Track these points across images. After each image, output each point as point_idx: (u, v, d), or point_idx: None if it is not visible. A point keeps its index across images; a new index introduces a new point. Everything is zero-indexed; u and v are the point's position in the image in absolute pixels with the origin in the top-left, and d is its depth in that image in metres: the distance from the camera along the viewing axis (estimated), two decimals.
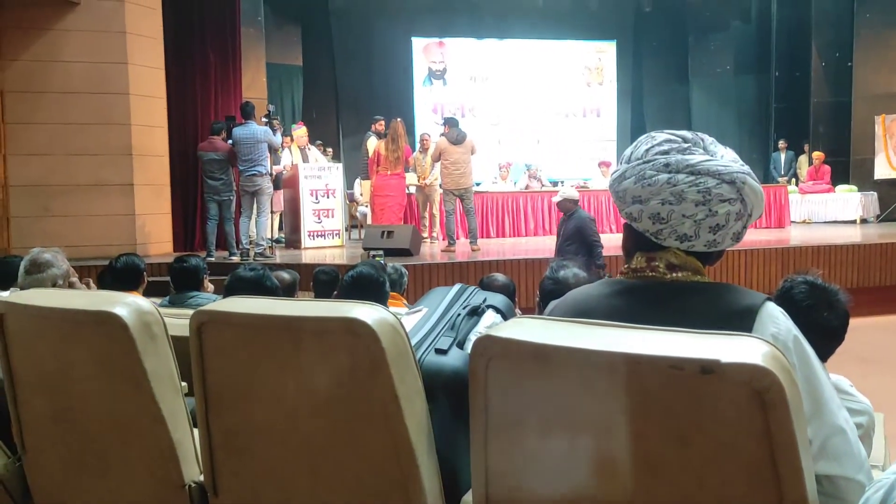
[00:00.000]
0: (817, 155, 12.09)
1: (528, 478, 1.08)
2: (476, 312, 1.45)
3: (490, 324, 1.41)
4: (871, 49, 12.12)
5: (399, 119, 8.67)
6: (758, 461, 0.90)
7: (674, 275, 1.23)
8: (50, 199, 7.57)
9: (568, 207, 6.52)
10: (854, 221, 11.42)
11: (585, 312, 1.24)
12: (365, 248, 7.72)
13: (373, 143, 9.02)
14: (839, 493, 1.12)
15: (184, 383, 1.52)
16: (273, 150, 8.01)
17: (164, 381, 1.47)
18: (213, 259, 7.35)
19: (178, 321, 1.66)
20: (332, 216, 8.68)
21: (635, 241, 1.28)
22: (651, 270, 1.25)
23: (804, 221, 11.75)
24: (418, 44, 13.49)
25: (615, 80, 14.22)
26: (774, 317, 1.16)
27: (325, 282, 4.23)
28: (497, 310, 1.47)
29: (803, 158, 12.61)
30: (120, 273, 3.72)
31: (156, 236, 8.12)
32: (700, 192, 1.19)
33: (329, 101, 13.28)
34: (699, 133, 1.29)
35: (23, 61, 7.50)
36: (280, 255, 8.04)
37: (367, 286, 2.83)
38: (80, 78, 7.56)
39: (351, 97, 13.19)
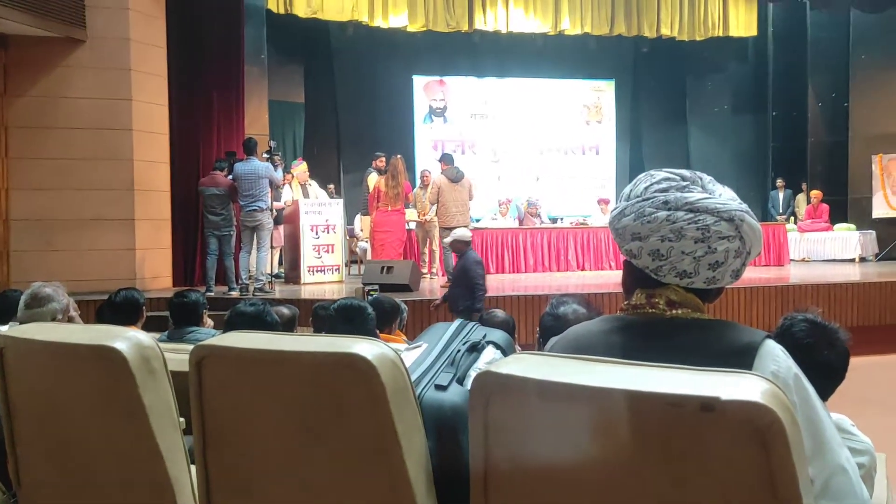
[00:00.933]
0: (815, 193, 12.17)
1: None
2: (476, 348, 1.45)
3: (490, 360, 1.41)
4: (867, 90, 12.28)
5: (399, 155, 8.75)
6: (759, 500, 0.90)
7: (674, 311, 1.24)
8: (52, 233, 7.60)
9: (459, 248, 6.60)
10: (853, 260, 11.44)
11: (585, 349, 1.25)
12: (364, 284, 7.72)
13: (373, 179, 9.09)
14: None
15: (182, 419, 1.52)
16: (274, 186, 8.06)
17: (163, 417, 1.46)
18: (212, 294, 7.35)
19: (178, 356, 1.66)
20: (332, 251, 8.71)
21: (635, 277, 1.29)
22: (651, 307, 1.25)
23: (803, 260, 11.77)
24: (419, 82, 13.66)
25: (614, 118, 14.36)
26: (775, 354, 1.17)
27: (325, 317, 4.21)
28: (497, 346, 1.47)
29: (801, 197, 12.68)
30: (119, 307, 3.72)
31: (156, 271, 8.13)
32: (699, 229, 1.20)
33: (330, 138, 13.40)
34: (697, 172, 1.31)
35: (29, 97, 7.59)
36: (280, 291, 8.04)
37: (352, 316, 2.85)
38: (85, 114, 7.65)
39: (352, 134, 13.30)
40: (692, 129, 14.53)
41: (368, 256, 9.16)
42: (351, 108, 13.35)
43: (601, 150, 14.27)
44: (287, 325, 3.82)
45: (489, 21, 12.54)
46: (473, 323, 1.56)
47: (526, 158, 13.92)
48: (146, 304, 4.06)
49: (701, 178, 1.28)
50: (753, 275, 9.34)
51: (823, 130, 13.01)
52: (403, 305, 4.29)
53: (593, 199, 12.74)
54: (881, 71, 12.10)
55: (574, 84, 14.16)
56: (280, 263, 9.72)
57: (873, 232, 11.90)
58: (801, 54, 13.10)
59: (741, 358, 1.13)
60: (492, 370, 1.08)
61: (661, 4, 13.00)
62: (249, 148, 7.72)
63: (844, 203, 12.58)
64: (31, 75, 7.58)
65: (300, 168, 9.65)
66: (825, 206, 12.01)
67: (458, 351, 1.44)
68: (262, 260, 7.68)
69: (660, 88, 14.55)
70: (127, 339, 1.45)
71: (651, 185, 1.26)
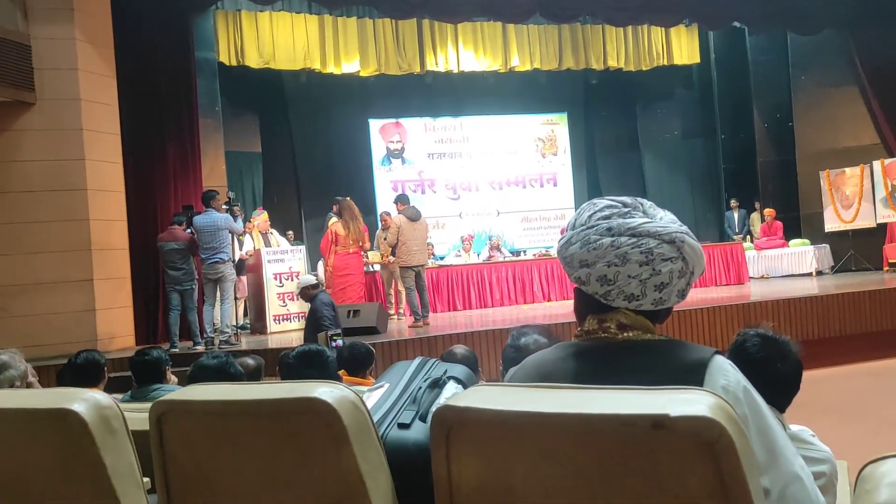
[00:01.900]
0: (768, 212, 12.49)
1: None
2: (437, 384, 1.46)
3: (451, 395, 1.43)
4: (809, 109, 12.71)
5: (348, 198, 8.77)
6: None
7: (625, 334, 1.27)
8: (8, 298, 7.42)
9: (308, 294, 6.79)
10: (810, 274, 11.72)
11: (543, 376, 1.27)
12: (327, 329, 7.66)
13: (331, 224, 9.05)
14: None
15: (146, 479, 1.50)
16: (235, 237, 8.02)
17: (125, 478, 1.44)
18: (177, 350, 7.23)
19: (139, 415, 1.64)
20: (297, 299, 8.64)
21: (586, 303, 1.32)
22: (603, 331, 1.28)
23: (762, 277, 12.01)
24: (375, 125, 13.77)
25: (569, 149, 14.61)
26: (724, 369, 1.20)
27: (291, 364, 4.18)
28: (458, 380, 1.48)
29: (755, 216, 12.99)
30: (79, 370, 3.65)
31: (118, 330, 7.97)
32: (642, 252, 1.24)
33: (289, 186, 13.39)
34: (638, 198, 1.35)
35: None
36: (246, 342, 7.94)
37: (312, 361, 2.85)
38: (37, 176, 7.54)
39: (311, 180, 13.32)
40: (646, 156, 14.83)
41: None
42: (308, 154, 13.38)
43: (559, 182, 14.48)
44: (252, 376, 3.78)
45: (440, 62, 12.75)
46: (434, 360, 1.57)
47: (485, 194, 14.07)
48: (108, 364, 3.99)
49: (642, 204, 1.33)
50: (715, 294, 9.50)
51: (771, 150, 13.40)
52: (371, 349, 4.27)
53: (555, 230, 12.88)
54: (820, 90, 12.55)
55: (528, 119, 14.41)
56: (245, 314, 9.62)
57: (827, 245, 12.22)
58: (743, 78, 13.54)
59: (692, 375, 1.16)
60: (450, 404, 1.10)
61: (607, 37, 13.38)
62: (208, 200, 7.68)
63: (797, 219, 12.92)
64: None
65: (261, 217, 9.63)
66: (779, 224, 12.32)
67: (420, 388, 1.45)
68: (226, 312, 7.60)
69: (611, 118, 14.86)
70: (85, 400, 1.43)
71: (594, 213, 1.31)
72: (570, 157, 14.60)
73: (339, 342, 5.94)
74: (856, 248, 12.03)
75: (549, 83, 14.06)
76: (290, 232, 11.26)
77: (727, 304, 7.80)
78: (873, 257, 11.76)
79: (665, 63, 13.74)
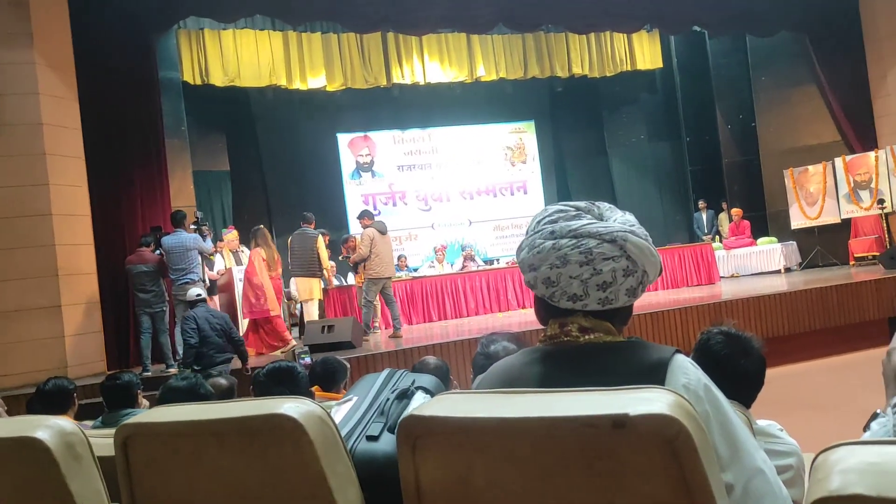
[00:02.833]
0: (735, 211, 12.69)
1: None
2: (405, 395, 1.46)
3: (418, 405, 1.43)
4: (771, 109, 12.95)
5: (262, 226, 8.70)
6: None
7: (586, 337, 1.28)
8: None
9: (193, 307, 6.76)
10: (779, 271, 11.91)
11: (509, 382, 1.28)
12: (306, 345, 7.63)
13: (321, 243, 8.91)
14: None
15: None
16: (205, 257, 7.94)
17: None
18: (150, 374, 7.14)
19: (108, 441, 1.62)
20: None
21: (546, 308, 1.34)
22: (565, 335, 1.30)
23: (732, 276, 12.17)
24: (343, 139, 13.75)
25: (538, 157, 14.71)
26: (684, 368, 1.21)
27: (262, 383, 4.14)
28: (426, 390, 1.49)
29: (723, 216, 13.18)
30: (48, 397, 3.60)
31: (88, 356, 7.84)
32: (581, 252, 1.25)
33: (259, 203, 13.30)
34: (596, 202, 1.37)
35: None
36: None
37: (282, 378, 2.83)
38: (1, 203, 7.42)
39: (281, 197, 13.25)
40: (613, 160, 14.98)
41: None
42: (277, 171, 13.32)
43: (529, 189, 14.57)
44: (225, 396, 3.74)
45: (406, 74, 12.79)
46: (402, 371, 1.57)
47: (457, 204, 14.10)
48: (79, 391, 3.94)
49: (598, 207, 1.34)
50: (687, 295, 9.60)
51: (736, 151, 13.61)
52: (345, 364, 4.25)
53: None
54: (780, 90, 12.80)
55: (496, 128, 14.49)
56: None
57: (794, 242, 12.43)
58: (705, 81, 13.76)
59: (653, 374, 1.18)
60: (415, 414, 1.10)
61: (571, 45, 13.52)
62: (177, 220, 7.61)
63: (764, 217, 13.13)
64: None
65: (230, 236, 9.55)
66: (746, 223, 12.52)
67: (388, 400, 1.45)
68: None
69: (578, 124, 15.00)
70: (48, 427, 1.41)
71: (543, 218, 1.33)
72: (539, 165, 14.70)
73: (308, 360, 5.92)
74: (822, 244, 12.25)
75: (515, 92, 14.16)
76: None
77: (699, 304, 7.90)
78: (839, 252, 11.98)
79: (629, 69, 13.91)
